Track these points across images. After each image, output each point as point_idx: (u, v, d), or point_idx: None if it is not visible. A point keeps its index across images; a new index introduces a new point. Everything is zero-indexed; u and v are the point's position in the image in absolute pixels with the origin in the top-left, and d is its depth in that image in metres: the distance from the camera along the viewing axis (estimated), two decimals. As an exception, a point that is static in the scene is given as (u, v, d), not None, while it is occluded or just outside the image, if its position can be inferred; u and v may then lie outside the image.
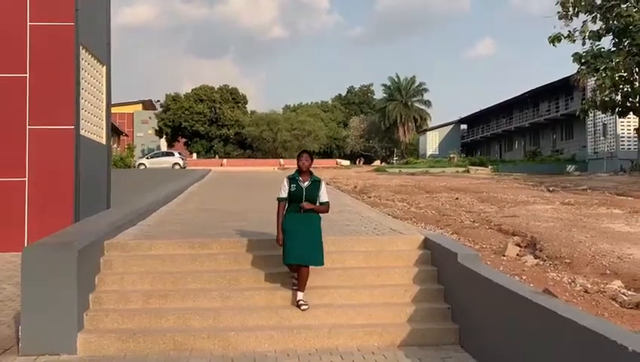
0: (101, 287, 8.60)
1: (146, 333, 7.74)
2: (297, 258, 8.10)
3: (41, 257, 7.74)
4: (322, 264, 8.30)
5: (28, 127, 15.81)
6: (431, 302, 8.53)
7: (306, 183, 8.26)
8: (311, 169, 8.43)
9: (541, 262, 9.99)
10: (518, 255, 10.60)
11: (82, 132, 16.52)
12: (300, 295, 8.23)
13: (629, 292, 8.04)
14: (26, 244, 12.05)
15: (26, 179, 15.75)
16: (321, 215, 8.45)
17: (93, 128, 17.97)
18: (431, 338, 7.90)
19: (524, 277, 8.41)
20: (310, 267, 8.25)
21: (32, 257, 7.71)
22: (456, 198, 20.90)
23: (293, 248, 8.09)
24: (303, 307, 8.12)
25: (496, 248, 11.10)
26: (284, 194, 8.29)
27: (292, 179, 8.30)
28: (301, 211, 8.16)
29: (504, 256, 10.33)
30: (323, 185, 8.42)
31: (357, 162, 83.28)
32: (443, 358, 7.35)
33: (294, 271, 8.31)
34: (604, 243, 10.86)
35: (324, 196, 8.38)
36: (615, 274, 8.86)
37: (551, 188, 25.77)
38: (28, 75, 15.87)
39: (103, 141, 18.99)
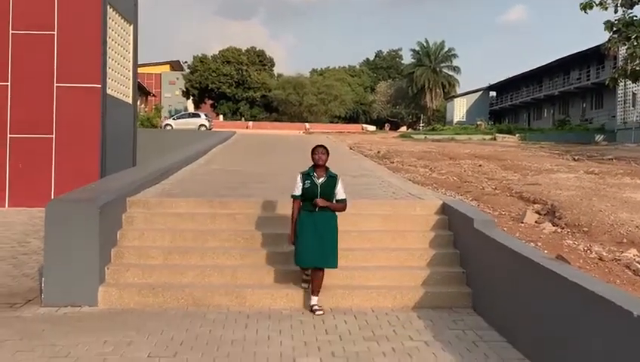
0: (123, 243, 8.80)
1: (165, 288, 7.94)
2: (311, 261, 7.59)
3: (64, 212, 7.94)
4: (336, 266, 7.76)
5: (55, 84, 16.02)
6: (446, 266, 8.61)
7: (321, 179, 7.67)
8: (327, 164, 7.81)
9: (559, 230, 10.00)
10: (536, 222, 10.60)
11: (109, 91, 16.70)
12: (314, 299, 7.72)
13: (644, 261, 8.06)
14: (52, 200, 12.28)
15: (54, 136, 16.01)
16: (337, 213, 7.83)
17: (120, 87, 18.14)
18: (444, 301, 8.00)
19: (540, 244, 8.44)
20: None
21: (55, 212, 7.92)
22: (480, 165, 20.83)
23: (307, 250, 7.57)
24: (317, 313, 7.59)
25: (515, 215, 11.11)
26: (298, 191, 7.70)
27: (306, 175, 7.72)
28: (315, 209, 7.62)
29: (522, 223, 10.35)
30: (340, 182, 7.79)
31: (385, 127, 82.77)
32: (455, 320, 7.46)
33: (307, 271, 7.80)
34: (624, 212, 10.81)
35: (340, 193, 7.78)
36: (632, 243, 8.86)
37: (576, 157, 25.55)
38: (56, 33, 16.02)
39: (130, 100, 19.17)
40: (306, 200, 7.65)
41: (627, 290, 6.46)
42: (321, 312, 7.56)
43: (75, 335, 6.64)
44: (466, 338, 6.80)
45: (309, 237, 7.55)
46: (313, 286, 7.70)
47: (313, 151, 7.75)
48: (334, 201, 7.74)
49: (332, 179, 7.73)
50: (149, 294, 7.86)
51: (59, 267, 7.75)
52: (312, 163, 7.75)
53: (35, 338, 6.52)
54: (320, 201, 7.57)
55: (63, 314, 7.45)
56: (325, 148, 7.77)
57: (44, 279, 7.77)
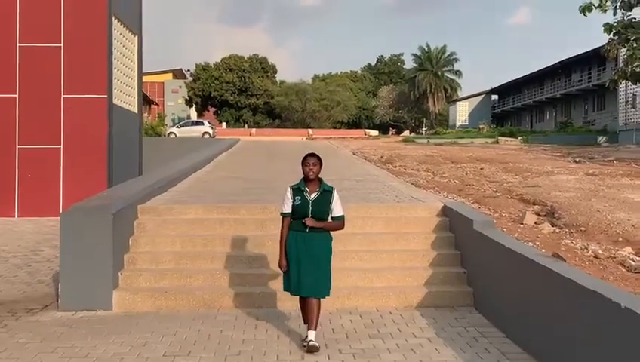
0: (135, 249, 9.10)
1: (177, 292, 8.25)
2: (302, 289, 6.66)
3: (79, 220, 8.26)
4: (328, 295, 6.82)
5: (62, 95, 16.35)
6: (447, 266, 8.89)
7: (314, 195, 6.63)
8: (321, 176, 6.79)
9: (557, 230, 10.26)
10: (535, 223, 10.86)
11: (115, 101, 17.03)
12: (311, 334, 6.60)
13: (638, 258, 8.33)
14: (61, 210, 12.58)
15: (61, 146, 16.33)
16: (332, 233, 6.85)
17: (125, 97, 18.47)
18: (446, 301, 8.28)
19: (538, 243, 8.71)
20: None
21: (70, 220, 8.24)
22: (481, 168, 21.10)
23: (296, 276, 6.63)
24: (312, 350, 6.47)
25: (515, 216, 11.38)
26: (287, 208, 6.70)
27: (297, 190, 6.67)
28: (306, 229, 6.65)
29: (522, 224, 10.61)
30: (335, 197, 6.72)
31: (389, 132, 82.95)
32: (457, 318, 7.74)
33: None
34: (622, 212, 11.08)
35: (337, 210, 6.72)
36: (627, 241, 9.13)
37: (577, 159, 25.80)
38: (62, 45, 16.36)
39: (135, 110, 19.51)
40: (297, 218, 6.66)
41: (619, 286, 6.73)
42: (316, 351, 6.46)
43: (92, 337, 6.94)
44: (467, 335, 7.09)
45: (298, 263, 6.62)
46: (309, 318, 6.68)
47: (303, 162, 6.70)
48: (330, 219, 6.75)
49: (327, 194, 6.69)
50: (161, 297, 8.16)
51: (74, 273, 8.05)
52: (303, 175, 6.72)
53: (54, 340, 6.82)
54: (310, 221, 6.57)
55: (79, 317, 7.75)
56: (318, 157, 6.73)
57: (61, 285, 8.07)
